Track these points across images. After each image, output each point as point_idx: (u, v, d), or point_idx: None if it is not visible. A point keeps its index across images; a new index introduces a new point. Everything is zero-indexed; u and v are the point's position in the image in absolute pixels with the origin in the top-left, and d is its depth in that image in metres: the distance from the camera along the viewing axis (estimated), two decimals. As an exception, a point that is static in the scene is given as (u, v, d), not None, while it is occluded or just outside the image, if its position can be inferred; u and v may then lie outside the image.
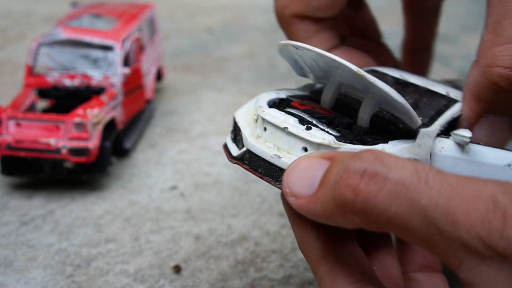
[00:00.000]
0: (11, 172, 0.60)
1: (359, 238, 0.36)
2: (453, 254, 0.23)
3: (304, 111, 0.33)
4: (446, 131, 0.34)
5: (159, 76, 0.85)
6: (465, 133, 0.32)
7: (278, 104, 0.35)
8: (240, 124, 0.34)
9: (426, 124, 0.33)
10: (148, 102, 0.77)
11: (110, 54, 0.66)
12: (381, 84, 0.30)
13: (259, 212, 0.57)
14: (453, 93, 0.37)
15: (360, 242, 0.35)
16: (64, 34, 0.66)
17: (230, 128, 0.36)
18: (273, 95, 0.36)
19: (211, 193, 0.60)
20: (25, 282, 0.47)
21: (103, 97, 0.63)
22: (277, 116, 0.32)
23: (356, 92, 0.35)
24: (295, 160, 0.29)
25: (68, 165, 0.60)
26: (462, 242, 0.23)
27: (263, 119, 0.33)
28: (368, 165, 0.25)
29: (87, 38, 0.66)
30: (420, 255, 0.37)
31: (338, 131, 0.32)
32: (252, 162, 0.33)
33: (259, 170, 0.32)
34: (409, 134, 0.33)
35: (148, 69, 0.77)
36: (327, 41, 0.42)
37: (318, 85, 0.39)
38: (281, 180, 0.30)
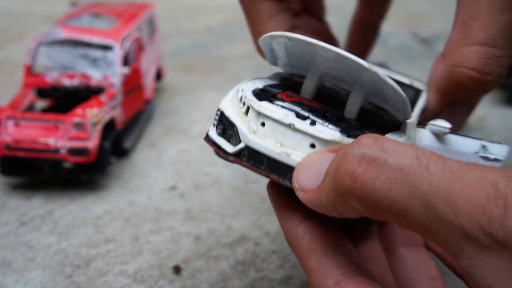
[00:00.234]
0: (10, 172, 0.60)
1: (347, 229, 0.36)
2: (453, 243, 0.23)
3: (293, 103, 0.33)
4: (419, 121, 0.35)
5: (158, 76, 0.85)
6: (444, 124, 0.33)
7: (261, 95, 0.34)
8: (233, 119, 0.33)
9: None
10: (148, 102, 0.77)
11: (109, 54, 0.66)
12: (391, 82, 0.30)
13: (259, 212, 0.57)
14: (416, 83, 0.39)
15: (347, 233, 0.35)
16: (63, 33, 0.66)
17: (213, 120, 0.35)
18: (253, 86, 0.35)
19: (211, 193, 0.60)
20: (24, 283, 0.47)
21: (103, 97, 0.62)
22: (277, 111, 0.32)
23: (340, 83, 0.35)
24: (306, 157, 0.29)
25: (67, 165, 0.60)
26: (462, 230, 0.22)
27: (259, 113, 0.32)
28: (367, 150, 0.25)
29: (86, 37, 0.66)
30: (400, 230, 0.37)
31: (336, 125, 0.31)
32: (252, 159, 0.32)
33: (262, 167, 0.31)
34: (393, 126, 0.34)
35: (148, 68, 0.77)
36: (286, 22, 0.41)
37: (285, 74, 0.38)
38: (289, 177, 0.30)
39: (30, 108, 0.64)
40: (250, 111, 0.33)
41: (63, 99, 0.66)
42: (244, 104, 0.33)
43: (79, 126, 0.58)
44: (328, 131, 0.30)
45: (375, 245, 0.35)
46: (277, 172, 0.31)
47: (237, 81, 0.99)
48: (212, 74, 0.94)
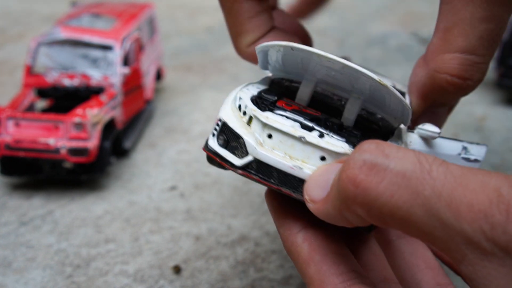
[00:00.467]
0: (10, 172, 0.60)
1: (345, 232, 0.36)
2: (455, 248, 0.23)
3: (294, 112, 0.33)
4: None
5: (158, 76, 0.85)
6: (433, 128, 0.34)
7: (260, 103, 0.34)
8: (238, 131, 0.32)
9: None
10: (148, 102, 0.77)
11: (109, 54, 0.66)
12: (398, 94, 0.30)
13: (259, 212, 0.57)
14: (398, 85, 0.40)
15: (346, 236, 0.35)
16: (63, 33, 0.66)
17: (213, 130, 0.34)
18: (249, 93, 0.35)
19: (211, 193, 0.60)
20: (24, 283, 0.47)
21: (103, 97, 0.62)
22: (285, 123, 0.31)
23: (336, 90, 0.35)
24: (316, 169, 0.30)
25: (67, 165, 0.60)
26: (464, 236, 0.22)
27: (265, 124, 0.32)
28: (369, 156, 0.25)
29: (86, 37, 0.66)
30: None
31: (340, 135, 0.32)
32: (261, 172, 0.31)
33: (272, 181, 0.31)
34: (387, 132, 0.34)
35: (148, 69, 0.77)
36: (267, 22, 0.40)
37: (275, 78, 0.38)
38: (300, 190, 0.30)
39: (30, 108, 0.64)
40: (254, 122, 0.32)
41: (63, 99, 0.66)
42: (244, 113, 0.33)
43: (79, 126, 0.58)
44: (338, 144, 0.30)
45: (372, 243, 0.36)
46: (288, 185, 0.31)
47: (237, 81, 0.99)
48: (212, 74, 0.94)
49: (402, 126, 0.34)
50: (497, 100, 0.86)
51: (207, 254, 0.51)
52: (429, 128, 0.35)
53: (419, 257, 0.35)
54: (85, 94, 0.65)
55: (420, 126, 0.35)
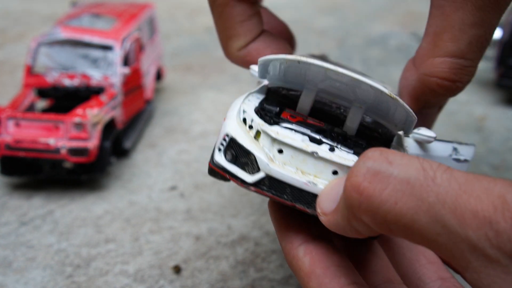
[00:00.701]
0: (11, 172, 0.60)
1: (349, 242, 0.36)
2: (460, 256, 0.23)
3: (299, 124, 0.33)
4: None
5: (158, 76, 0.85)
6: (429, 133, 0.35)
7: (264, 116, 0.33)
8: (248, 147, 0.32)
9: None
10: (148, 102, 0.77)
11: (109, 54, 0.66)
12: (407, 106, 0.31)
13: (259, 212, 0.57)
14: (388, 87, 0.40)
15: (350, 245, 0.35)
16: (63, 33, 0.66)
17: (219, 145, 0.33)
18: (251, 104, 0.34)
19: (211, 193, 0.60)
20: (24, 283, 0.47)
21: (103, 97, 0.62)
22: (296, 138, 0.31)
23: (337, 99, 0.35)
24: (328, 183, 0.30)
25: (67, 165, 0.60)
26: (469, 243, 0.22)
27: (275, 140, 0.31)
28: (372, 163, 0.25)
29: (86, 37, 0.66)
30: None
31: (348, 146, 0.32)
32: (274, 188, 0.31)
33: (285, 197, 0.31)
34: (387, 139, 0.35)
35: (148, 69, 0.77)
36: (257, 26, 0.40)
37: (271, 86, 0.38)
38: (314, 206, 0.30)
39: (31, 108, 0.64)
40: (263, 136, 0.32)
41: (64, 99, 0.66)
42: (250, 127, 0.33)
43: (80, 126, 0.58)
44: (349, 157, 0.31)
45: (375, 246, 0.36)
46: (302, 201, 0.31)
47: (237, 81, 0.98)
48: (212, 74, 0.94)
49: (400, 132, 0.34)
50: (497, 100, 0.86)
51: (207, 254, 0.51)
52: (424, 132, 0.35)
53: (419, 253, 0.36)
54: (85, 94, 0.65)
55: (416, 130, 0.35)
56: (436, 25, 0.36)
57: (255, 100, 0.35)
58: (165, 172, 0.64)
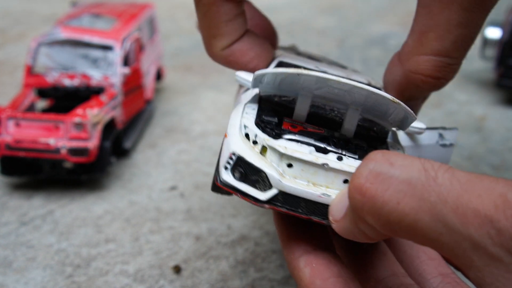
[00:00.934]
0: (11, 172, 0.60)
1: (353, 247, 0.36)
2: (463, 254, 0.23)
3: (301, 134, 0.33)
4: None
5: (159, 76, 0.85)
6: (419, 125, 0.36)
7: (265, 128, 0.33)
8: (257, 164, 0.31)
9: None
10: (148, 102, 0.77)
11: (109, 54, 0.66)
12: (409, 110, 0.31)
13: (259, 212, 0.57)
14: (373, 81, 0.41)
15: (354, 244, 0.35)
16: (63, 33, 0.66)
17: (225, 163, 0.32)
18: (251, 117, 0.34)
19: (211, 193, 0.60)
20: (24, 283, 0.47)
21: (103, 97, 0.62)
22: (303, 151, 0.31)
23: (332, 103, 0.35)
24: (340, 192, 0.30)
25: (67, 165, 0.60)
26: (471, 242, 0.22)
27: (283, 154, 0.31)
28: (374, 165, 0.25)
29: (86, 37, 0.66)
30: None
31: (353, 152, 0.32)
32: (288, 203, 0.31)
33: (300, 211, 0.31)
34: (382, 136, 0.35)
35: (148, 69, 0.77)
36: (242, 26, 0.40)
37: (263, 94, 0.37)
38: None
39: (31, 108, 0.64)
40: (270, 152, 0.32)
41: (64, 99, 0.66)
42: (254, 142, 0.32)
43: (80, 126, 0.58)
44: (357, 164, 0.30)
45: (379, 243, 0.36)
46: (317, 213, 0.31)
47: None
48: (212, 74, 0.94)
49: (394, 128, 0.35)
50: (497, 100, 0.86)
51: (207, 254, 0.51)
52: (415, 125, 0.36)
53: (419, 249, 0.36)
54: (85, 94, 0.65)
55: None
56: (423, 24, 0.37)
57: (252, 112, 0.35)
58: (165, 172, 0.64)
